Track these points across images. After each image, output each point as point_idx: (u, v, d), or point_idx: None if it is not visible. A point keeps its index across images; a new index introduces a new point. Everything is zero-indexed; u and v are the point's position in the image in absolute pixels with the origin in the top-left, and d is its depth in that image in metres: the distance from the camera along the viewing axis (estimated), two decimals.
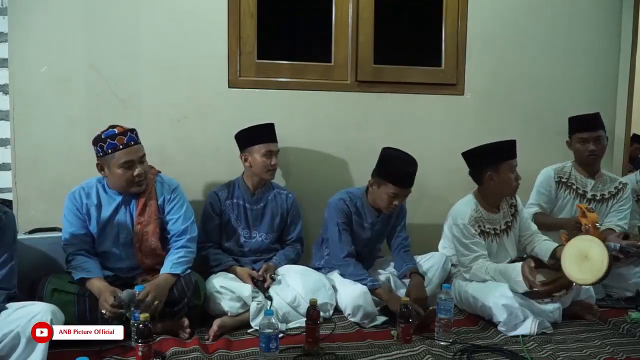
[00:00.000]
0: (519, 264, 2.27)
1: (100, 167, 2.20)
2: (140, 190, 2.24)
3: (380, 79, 3.00)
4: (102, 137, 2.15)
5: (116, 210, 2.25)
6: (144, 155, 2.22)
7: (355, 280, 2.41)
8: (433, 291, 2.49)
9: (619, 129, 3.37)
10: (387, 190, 2.40)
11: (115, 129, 2.16)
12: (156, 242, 2.27)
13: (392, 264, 2.66)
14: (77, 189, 2.26)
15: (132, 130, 2.20)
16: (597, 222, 2.46)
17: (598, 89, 3.29)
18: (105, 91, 2.63)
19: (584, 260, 2.07)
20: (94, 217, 2.24)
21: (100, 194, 2.26)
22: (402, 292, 2.44)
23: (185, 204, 2.36)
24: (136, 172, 2.16)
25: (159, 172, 2.39)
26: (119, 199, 2.26)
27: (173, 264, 2.21)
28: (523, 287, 2.22)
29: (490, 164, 2.41)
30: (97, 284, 2.06)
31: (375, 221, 2.58)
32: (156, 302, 2.05)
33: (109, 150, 2.14)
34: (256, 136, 2.53)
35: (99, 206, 2.25)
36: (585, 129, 2.74)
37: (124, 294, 1.98)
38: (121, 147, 2.13)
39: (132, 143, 2.17)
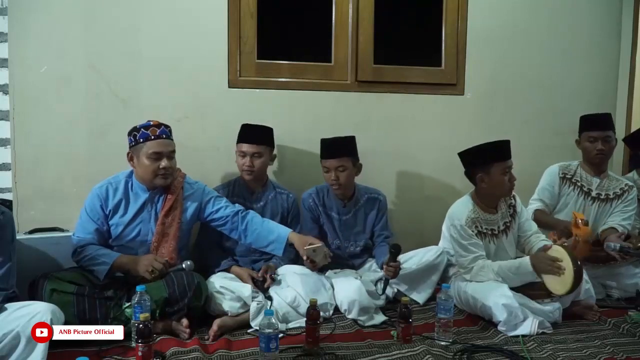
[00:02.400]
0: (524, 258, 2.32)
1: (130, 157, 2.26)
2: (165, 184, 2.27)
3: (380, 79, 3.00)
4: (137, 127, 2.23)
5: (142, 208, 2.29)
6: (173, 151, 2.28)
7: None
8: (426, 281, 2.57)
9: (618, 129, 3.36)
10: (323, 166, 2.58)
11: (151, 122, 2.24)
12: (175, 245, 2.29)
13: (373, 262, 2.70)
14: (105, 184, 2.29)
15: (167, 126, 2.28)
16: (589, 238, 2.48)
17: (598, 89, 3.30)
18: (105, 91, 2.63)
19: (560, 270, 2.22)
20: (120, 212, 2.27)
21: (128, 190, 2.30)
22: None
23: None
24: (162, 164, 2.21)
25: (185, 174, 2.42)
26: (145, 196, 2.30)
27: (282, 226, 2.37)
28: (534, 277, 2.26)
29: (481, 165, 2.40)
30: (125, 258, 2.19)
31: (342, 210, 2.65)
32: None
33: (141, 140, 2.20)
34: (239, 135, 2.57)
35: (126, 202, 2.28)
36: (595, 128, 2.74)
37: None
38: (152, 137, 2.20)
39: (164, 136, 2.24)
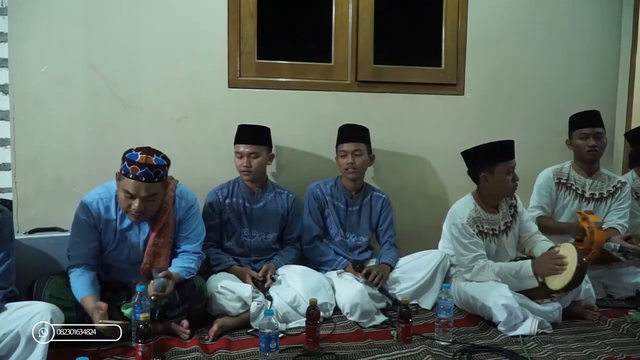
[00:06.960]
0: (526, 261, 2.30)
1: (118, 178, 2.09)
2: (138, 220, 2.12)
3: (380, 79, 3.00)
4: (126, 155, 2.04)
5: (130, 227, 2.18)
6: (152, 195, 2.05)
7: (322, 262, 2.61)
8: (432, 287, 2.56)
9: (619, 129, 3.37)
10: (340, 151, 2.66)
11: (138, 156, 2.02)
12: (167, 266, 2.19)
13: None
14: (95, 200, 2.14)
15: (153, 167, 2.02)
16: (600, 223, 2.48)
17: (598, 89, 3.30)
18: (105, 91, 2.63)
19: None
20: (111, 231, 2.16)
21: (117, 211, 2.16)
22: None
23: (197, 223, 2.29)
24: (134, 205, 2.04)
25: (177, 182, 2.28)
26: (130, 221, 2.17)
27: (183, 268, 2.18)
28: (535, 283, 2.25)
29: (485, 164, 2.40)
30: (87, 303, 1.99)
31: (349, 202, 2.71)
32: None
33: (122, 172, 2.04)
34: (236, 136, 2.58)
35: (117, 221, 2.16)
36: (586, 124, 2.75)
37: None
38: (131, 176, 2.01)
39: (143, 179, 2.01)
